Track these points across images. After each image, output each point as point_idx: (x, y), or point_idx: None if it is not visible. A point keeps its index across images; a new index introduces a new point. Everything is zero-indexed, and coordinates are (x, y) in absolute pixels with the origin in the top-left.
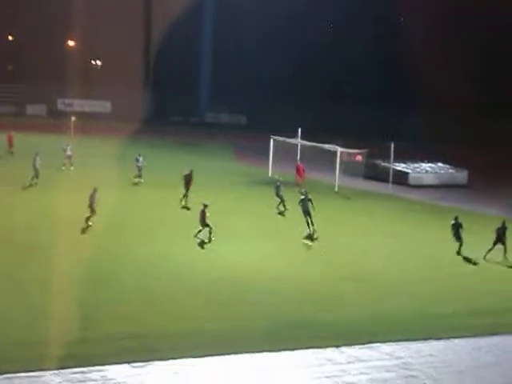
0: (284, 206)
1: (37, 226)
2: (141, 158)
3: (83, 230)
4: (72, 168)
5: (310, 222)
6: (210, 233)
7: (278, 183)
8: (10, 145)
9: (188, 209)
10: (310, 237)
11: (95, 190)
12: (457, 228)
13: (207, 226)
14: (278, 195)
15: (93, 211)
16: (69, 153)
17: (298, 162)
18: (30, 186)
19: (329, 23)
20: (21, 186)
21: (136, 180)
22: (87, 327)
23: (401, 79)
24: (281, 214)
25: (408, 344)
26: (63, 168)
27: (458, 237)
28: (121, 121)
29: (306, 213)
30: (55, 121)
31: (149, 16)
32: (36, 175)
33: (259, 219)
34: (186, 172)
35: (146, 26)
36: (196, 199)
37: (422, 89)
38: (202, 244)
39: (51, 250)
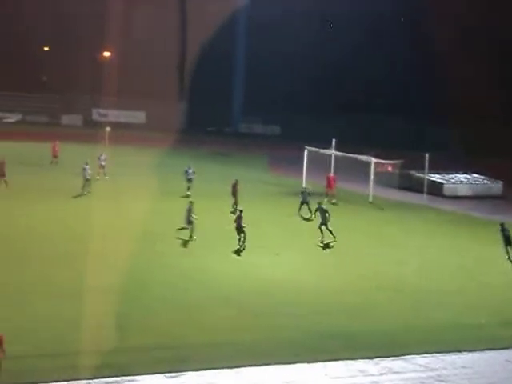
0: (310, 211)
1: (73, 235)
2: (190, 170)
3: (184, 244)
4: (107, 177)
5: (327, 230)
6: (244, 239)
7: (303, 190)
8: (55, 155)
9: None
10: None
11: (191, 204)
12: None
13: (243, 232)
14: (304, 202)
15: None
16: (102, 162)
17: (330, 173)
18: (82, 195)
19: (359, 35)
20: (71, 196)
21: (188, 192)
22: (121, 337)
23: (434, 90)
24: (306, 219)
25: (441, 356)
26: (97, 177)
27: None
28: (155, 131)
29: (322, 223)
30: (90, 131)
31: (184, 27)
32: (87, 185)
33: (291, 230)
34: (233, 182)
35: (182, 36)
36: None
37: (455, 99)
38: (237, 252)
39: (87, 259)
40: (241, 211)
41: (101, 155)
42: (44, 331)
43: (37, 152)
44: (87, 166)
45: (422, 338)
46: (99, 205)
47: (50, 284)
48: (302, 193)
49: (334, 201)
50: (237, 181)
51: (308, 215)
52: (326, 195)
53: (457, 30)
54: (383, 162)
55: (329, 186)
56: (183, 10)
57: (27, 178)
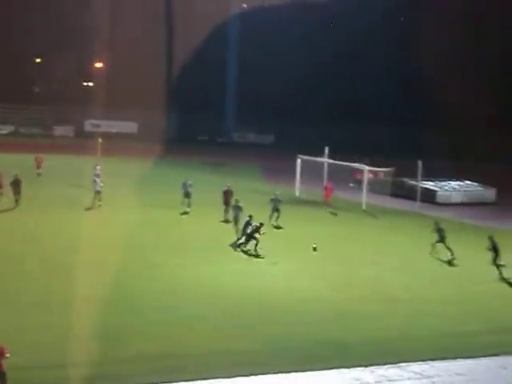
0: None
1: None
2: (189, 183)
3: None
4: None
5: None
6: (257, 245)
7: (274, 197)
8: (38, 166)
9: (229, 222)
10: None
11: (251, 217)
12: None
13: (254, 238)
14: (275, 209)
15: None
16: (98, 172)
17: (325, 181)
18: (93, 208)
19: (351, 44)
20: (84, 208)
21: (187, 209)
22: (118, 347)
23: (426, 98)
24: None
25: (436, 363)
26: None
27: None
28: (148, 141)
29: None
30: (82, 141)
31: (174, 37)
32: (98, 198)
33: (284, 238)
34: (225, 188)
35: (173, 46)
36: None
37: (447, 106)
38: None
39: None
40: (250, 216)
41: (96, 166)
42: (35, 343)
43: (28, 163)
44: (98, 179)
45: (417, 346)
46: (96, 217)
47: (45, 294)
48: (272, 200)
49: (330, 209)
50: (229, 187)
51: (277, 223)
52: (325, 203)
53: (445, 40)
54: (376, 169)
55: (326, 194)
56: (172, 20)
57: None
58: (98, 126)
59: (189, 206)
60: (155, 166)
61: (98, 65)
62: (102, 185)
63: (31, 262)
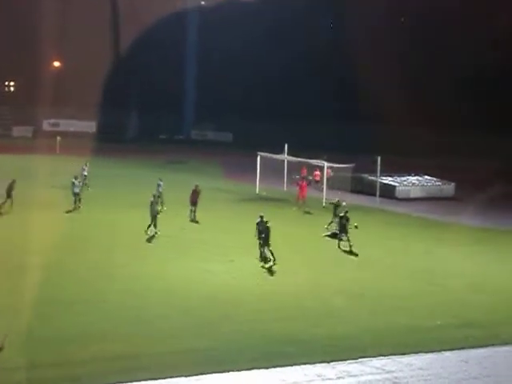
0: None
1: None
2: (161, 183)
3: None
4: (89, 189)
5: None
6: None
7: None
8: None
9: (197, 222)
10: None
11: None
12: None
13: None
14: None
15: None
16: (85, 173)
17: (301, 180)
18: (74, 210)
19: (310, 40)
20: (63, 210)
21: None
22: (77, 347)
23: (386, 93)
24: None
25: (398, 358)
26: (89, 189)
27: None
28: (106, 141)
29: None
30: (40, 141)
31: (118, 35)
32: (78, 199)
33: (244, 235)
34: (193, 188)
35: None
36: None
37: (405, 101)
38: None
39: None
40: (261, 216)
41: (84, 166)
42: None
43: None
44: (76, 181)
45: (379, 342)
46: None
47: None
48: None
49: (306, 209)
50: (196, 186)
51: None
52: (297, 203)
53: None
54: (336, 165)
55: (301, 192)
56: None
57: None
58: (56, 125)
59: (162, 205)
60: (116, 165)
61: (57, 64)
62: (80, 187)
63: None
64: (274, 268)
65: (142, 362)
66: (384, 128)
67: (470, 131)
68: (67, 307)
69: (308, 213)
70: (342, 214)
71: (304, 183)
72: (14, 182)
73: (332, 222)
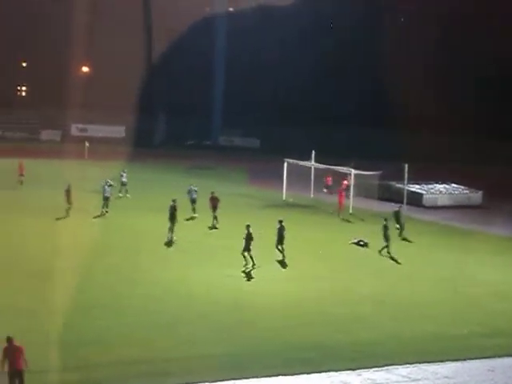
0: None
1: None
2: (194, 188)
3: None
4: (128, 195)
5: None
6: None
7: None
8: (21, 173)
9: (216, 228)
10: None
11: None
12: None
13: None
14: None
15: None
16: (124, 179)
17: (340, 189)
18: (102, 215)
19: (338, 47)
20: (92, 216)
21: (194, 214)
22: (97, 351)
23: (414, 101)
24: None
25: (424, 366)
26: (120, 195)
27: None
28: (135, 146)
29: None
30: (69, 146)
31: (150, 40)
32: (106, 204)
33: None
34: (211, 195)
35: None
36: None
37: (434, 110)
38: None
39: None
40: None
41: (123, 172)
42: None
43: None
44: (107, 186)
45: (404, 349)
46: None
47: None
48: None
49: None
50: (213, 193)
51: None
52: (338, 213)
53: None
54: (363, 173)
55: (340, 202)
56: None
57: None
58: (85, 130)
59: (194, 211)
60: (142, 170)
61: (85, 69)
62: (110, 191)
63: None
64: (297, 274)
65: (161, 366)
66: (412, 135)
67: (495, 138)
68: (87, 311)
69: (347, 221)
70: (384, 223)
71: (342, 193)
72: (69, 187)
73: (399, 228)
